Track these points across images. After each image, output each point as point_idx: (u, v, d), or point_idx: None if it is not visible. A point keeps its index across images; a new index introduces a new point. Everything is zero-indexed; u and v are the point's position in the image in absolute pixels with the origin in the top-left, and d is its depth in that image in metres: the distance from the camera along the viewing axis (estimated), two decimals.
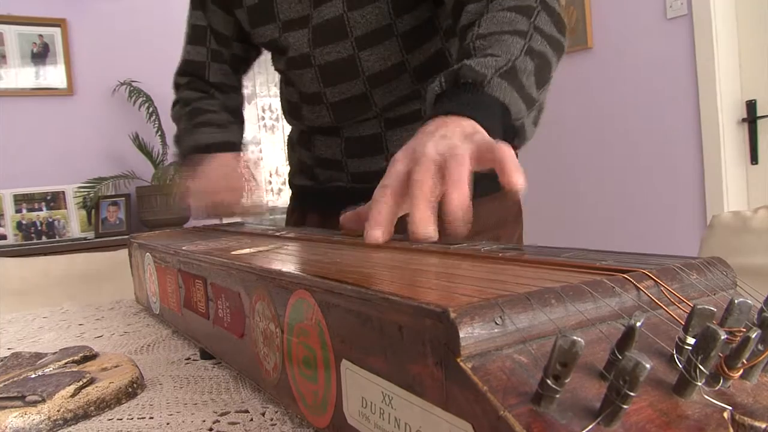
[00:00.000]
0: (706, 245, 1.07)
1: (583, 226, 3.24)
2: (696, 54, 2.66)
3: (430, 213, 0.50)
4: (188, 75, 1.15)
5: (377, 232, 0.52)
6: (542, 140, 3.37)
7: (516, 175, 0.49)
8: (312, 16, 0.94)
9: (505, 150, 0.51)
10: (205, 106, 1.11)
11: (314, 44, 0.95)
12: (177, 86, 1.17)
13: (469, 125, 0.57)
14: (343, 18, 0.91)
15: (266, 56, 1.20)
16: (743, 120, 2.63)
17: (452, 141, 0.54)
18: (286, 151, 1.21)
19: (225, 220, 1.15)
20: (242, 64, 1.17)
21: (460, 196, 0.49)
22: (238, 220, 1.13)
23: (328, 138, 1.03)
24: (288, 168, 1.22)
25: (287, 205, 1.22)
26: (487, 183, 0.86)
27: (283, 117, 1.16)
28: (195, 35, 1.12)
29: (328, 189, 1.06)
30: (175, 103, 1.16)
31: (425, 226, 0.49)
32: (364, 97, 0.96)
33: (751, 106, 2.60)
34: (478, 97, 0.62)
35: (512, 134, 0.65)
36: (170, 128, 1.17)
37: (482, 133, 0.56)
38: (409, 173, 0.54)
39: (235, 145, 1.08)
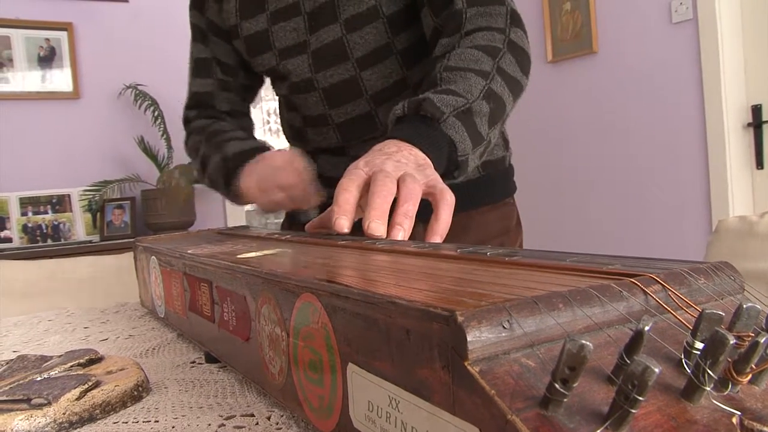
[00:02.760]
0: (712, 250, 1.07)
1: (587, 230, 3.23)
2: (701, 58, 2.66)
3: (384, 213, 0.57)
4: (197, 108, 1.13)
5: (345, 221, 0.59)
6: (547, 143, 3.37)
7: (436, 238, 0.58)
8: (309, 41, 0.95)
9: (448, 205, 0.59)
10: (222, 127, 1.10)
11: (316, 68, 0.96)
12: (187, 120, 1.15)
13: (422, 157, 0.66)
14: (342, 41, 0.93)
15: None
16: (749, 124, 2.62)
17: (408, 168, 0.63)
18: None
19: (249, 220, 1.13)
20: (249, 93, 1.16)
21: (409, 207, 0.57)
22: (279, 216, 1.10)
23: (333, 158, 1.03)
24: None
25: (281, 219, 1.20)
26: (487, 194, 0.90)
27: (286, 140, 1.16)
28: (200, 68, 1.11)
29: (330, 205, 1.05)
30: (188, 136, 1.14)
31: (379, 225, 0.56)
32: (370, 116, 0.97)
33: (756, 110, 2.60)
34: (432, 131, 0.69)
35: (455, 167, 0.72)
36: (175, 131, 1.17)
37: (432, 169, 0.65)
38: (369, 178, 0.62)
39: (266, 148, 1.04)
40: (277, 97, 1.14)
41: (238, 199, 1.00)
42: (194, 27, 1.10)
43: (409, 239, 0.58)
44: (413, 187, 0.59)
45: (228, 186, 0.99)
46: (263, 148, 1.03)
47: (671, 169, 2.82)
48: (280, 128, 1.18)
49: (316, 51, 0.95)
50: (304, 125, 1.04)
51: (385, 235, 0.56)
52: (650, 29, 2.84)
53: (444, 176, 0.71)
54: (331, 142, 1.02)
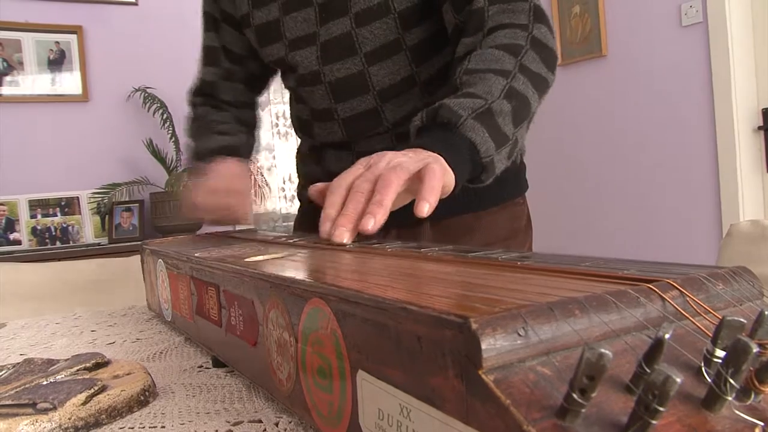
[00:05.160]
0: (724, 254, 1.06)
1: (596, 234, 3.22)
2: (711, 62, 2.64)
3: (353, 219, 0.59)
4: (202, 95, 1.16)
5: (329, 227, 0.61)
6: (556, 147, 3.36)
7: (423, 204, 0.57)
8: (319, 33, 0.95)
9: (431, 171, 0.59)
10: (216, 117, 1.13)
11: (323, 61, 0.96)
12: (192, 105, 1.18)
13: (434, 156, 0.64)
14: (351, 34, 0.93)
15: None
16: (759, 128, 2.60)
17: (403, 159, 0.63)
18: (296, 164, 1.21)
19: (218, 228, 1.16)
20: (258, 82, 1.18)
21: (381, 197, 0.58)
22: (230, 228, 1.13)
23: (339, 152, 1.03)
24: (297, 181, 1.21)
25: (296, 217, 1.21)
26: (497, 193, 0.87)
27: (294, 132, 1.17)
28: (208, 56, 1.14)
29: None
30: (188, 120, 1.18)
31: (343, 232, 0.59)
32: (375, 112, 0.96)
33: (766, 114, 2.58)
34: (450, 136, 0.68)
35: (480, 170, 0.70)
36: (183, 134, 1.18)
37: (439, 161, 0.63)
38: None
39: (237, 149, 1.09)
40: (287, 93, 1.15)
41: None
42: (207, 15, 1.12)
43: (415, 240, 0.57)
44: (388, 177, 0.59)
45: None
46: (230, 147, 1.07)
47: (681, 172, 2.80)
48: (289, 129, 1.19)
49: (325, 43, 0.95)
50: (311, 118, 1.04)
51: (348, 242, 0.58)
52: (660, 32, 2.83)
53: (471, 181, 0.71)
54: (336, 137, 1.01)
